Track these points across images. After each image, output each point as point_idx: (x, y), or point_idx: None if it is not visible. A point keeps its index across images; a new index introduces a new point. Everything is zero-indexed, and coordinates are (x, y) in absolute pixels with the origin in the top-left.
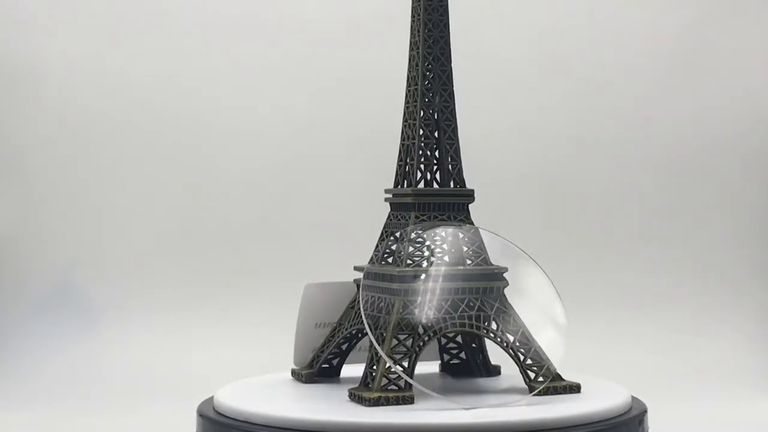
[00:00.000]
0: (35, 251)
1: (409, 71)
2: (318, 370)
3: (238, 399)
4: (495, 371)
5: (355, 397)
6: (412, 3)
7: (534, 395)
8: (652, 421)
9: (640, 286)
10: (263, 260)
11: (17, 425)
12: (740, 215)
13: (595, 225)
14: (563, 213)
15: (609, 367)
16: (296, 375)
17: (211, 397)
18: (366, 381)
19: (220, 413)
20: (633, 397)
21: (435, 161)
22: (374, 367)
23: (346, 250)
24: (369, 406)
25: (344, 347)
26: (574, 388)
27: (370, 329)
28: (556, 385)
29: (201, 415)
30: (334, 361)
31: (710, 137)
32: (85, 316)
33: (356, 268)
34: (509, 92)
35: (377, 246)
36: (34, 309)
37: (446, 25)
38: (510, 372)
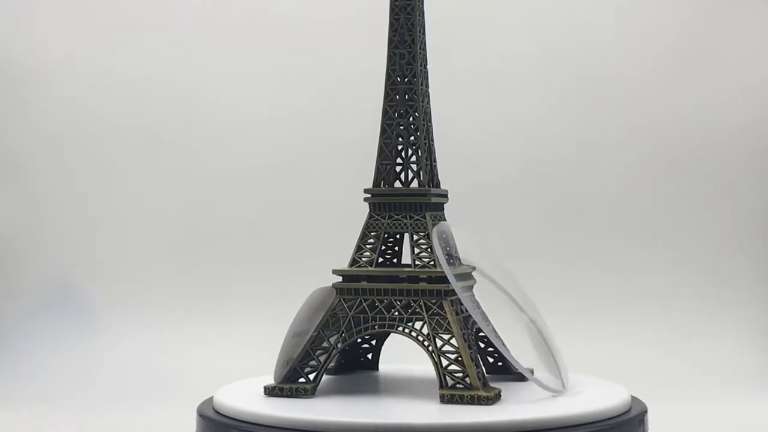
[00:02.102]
0: (35, 251)
1: (399, 70)
2: (318, 380)
3: (238, 399)
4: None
5: (470, 398)
6: (397, 2)
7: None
8: (652, 421)
9: (640, 286)
10: (263, 260)
11: (17, 425)
12: (740, 215)
13: (595, 225)
14: (563, 213)
15: (609, 367)
16: (286, 391)
17: (211, 397)
18: (446, 381)
19: (220, 413)
20: (633, 397)
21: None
22: (450, 367)
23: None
24: (492, 404)
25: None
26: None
27: (490, 331)
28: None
29: (201, 415)
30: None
31: (710, 137)
32: (85, 316)
33: (336, 272)
34: (509, 92)
35: (360, 247)
36: (34, 309)
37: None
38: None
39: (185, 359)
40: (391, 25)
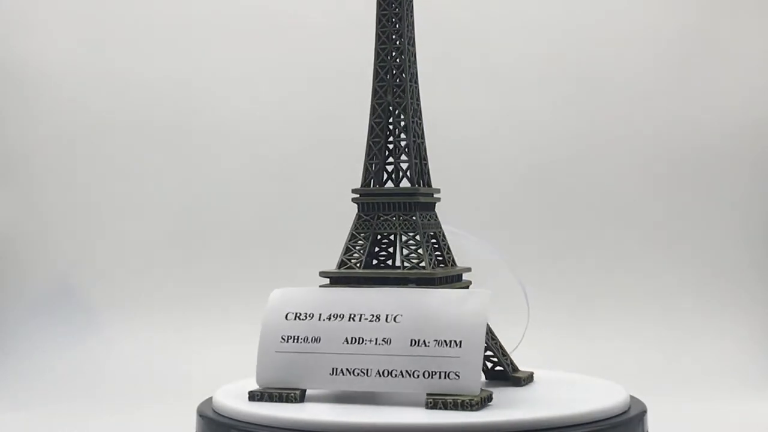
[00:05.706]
0: (35, 251)
1: (404, 67)
2: None
3: (238, 399)
4: None
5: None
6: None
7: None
8: (652, 421)
9: (641, 286)
10: (263, 260)
11: (17, 425)
12: (741, 215)
13: (596, 225)
14: (565, 213)
15: (609, 367)
16: (485, 401)
17: (211, 397)
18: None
19: (219, 413)
20: (633, 397)
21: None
22: (502, 355)
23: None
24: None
25: None
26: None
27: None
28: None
29: (201, 415)
30: None
31: (712, 138)
32: (85, 316)
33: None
34: (511, 93)
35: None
36: (34, 309)
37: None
38: None
39: (185, 359)
40: (393, 21)
